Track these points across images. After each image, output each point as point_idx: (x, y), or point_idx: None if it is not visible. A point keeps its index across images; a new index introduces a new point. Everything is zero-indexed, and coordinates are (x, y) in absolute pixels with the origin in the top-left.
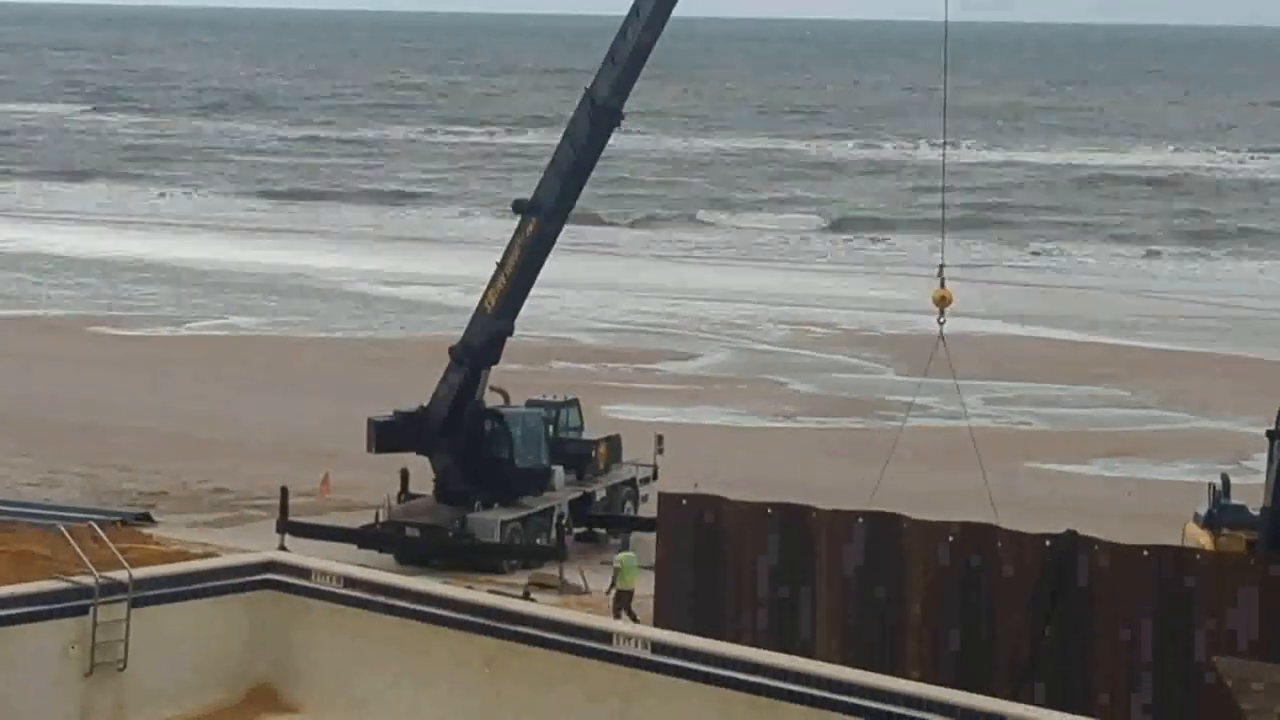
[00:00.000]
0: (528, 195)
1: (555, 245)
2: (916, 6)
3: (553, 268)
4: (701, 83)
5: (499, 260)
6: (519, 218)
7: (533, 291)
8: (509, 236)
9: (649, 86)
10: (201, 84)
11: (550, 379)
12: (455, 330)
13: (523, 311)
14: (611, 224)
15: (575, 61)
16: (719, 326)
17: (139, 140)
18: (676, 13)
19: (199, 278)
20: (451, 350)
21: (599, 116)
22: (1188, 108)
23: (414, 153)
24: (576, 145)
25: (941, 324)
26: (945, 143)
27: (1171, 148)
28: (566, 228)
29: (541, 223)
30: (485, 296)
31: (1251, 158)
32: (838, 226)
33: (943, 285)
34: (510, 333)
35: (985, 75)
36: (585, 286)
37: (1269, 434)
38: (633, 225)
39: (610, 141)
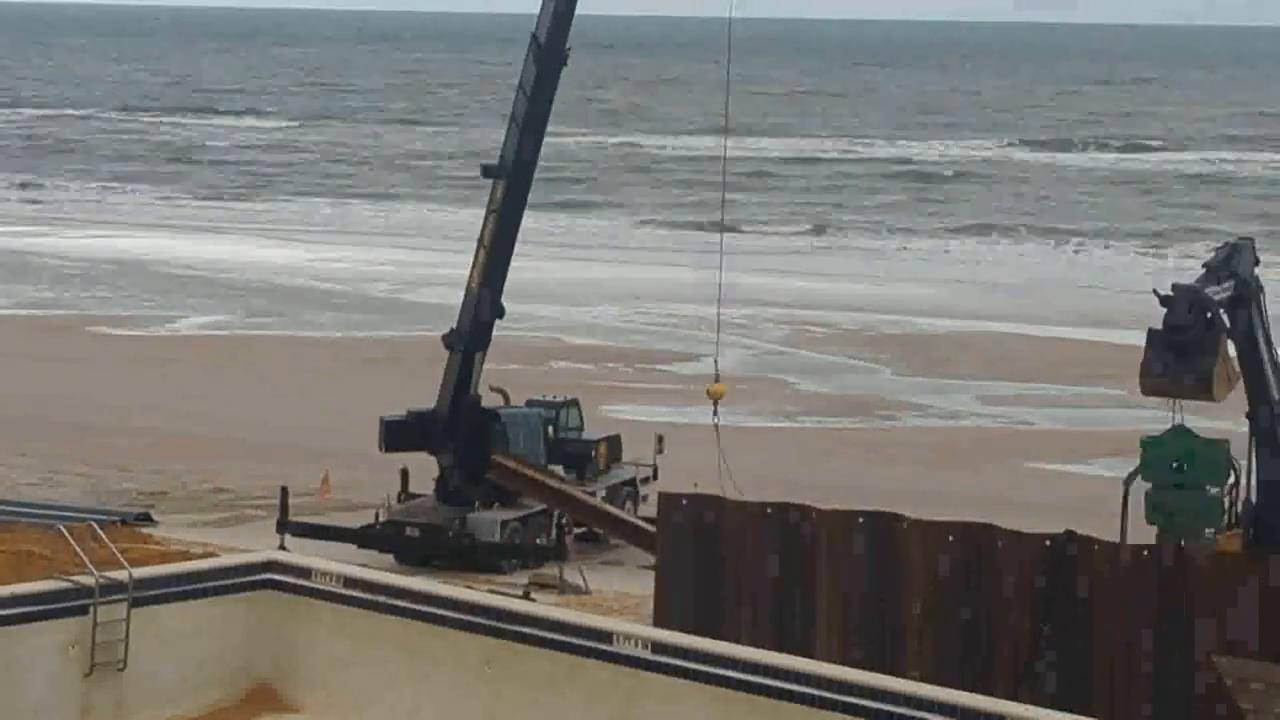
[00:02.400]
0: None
1: (525, 207)
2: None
3: (558, 268)
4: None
5: (479, 236)
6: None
7: (535, 293)
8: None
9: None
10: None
11: (550, 379)
12: None
13: (524, 310)
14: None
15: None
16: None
17: (139, 139)
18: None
19: (199, 278)
20: (444, 339)
21: (544, 57)
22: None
23: (423, 151)
24: (527, 91)
25: (716, 420)
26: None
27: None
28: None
29: (507, 181)
30: (470, 277)
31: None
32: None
33: (717, 379)
34: (500, 314)
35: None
36: (585, 286)
37: (1248, 415)
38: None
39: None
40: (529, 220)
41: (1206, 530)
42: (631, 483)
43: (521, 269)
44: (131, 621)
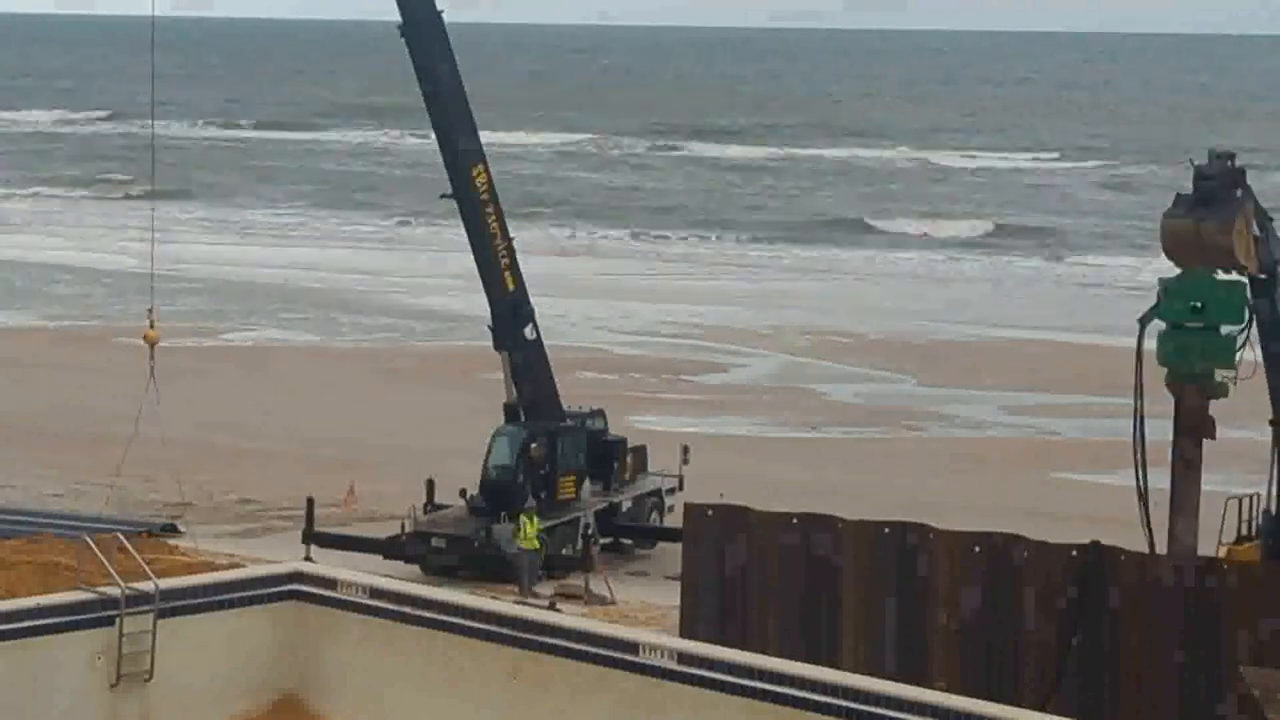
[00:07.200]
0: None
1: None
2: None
3: (574, 276)
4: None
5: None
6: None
7: (554, 302)
8: (555, 244)
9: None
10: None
11: (577, 389)
12: (482, 341)
13: (547, 318)
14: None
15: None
16: (744, 336)
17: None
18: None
19: (225, 287)
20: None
21: (412, 36)
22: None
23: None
24: (426, 75)
25: (152, 365)
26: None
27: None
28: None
29: (457, 161)
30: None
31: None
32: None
33: (152, 326)
34: (518, 302)
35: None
36: (611, 296)
37: (1272, 422)
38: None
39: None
40: (553, 231)
41: (1219, 372)
42: (657, 493)
43: (547, 276)
44: (158, 632)
